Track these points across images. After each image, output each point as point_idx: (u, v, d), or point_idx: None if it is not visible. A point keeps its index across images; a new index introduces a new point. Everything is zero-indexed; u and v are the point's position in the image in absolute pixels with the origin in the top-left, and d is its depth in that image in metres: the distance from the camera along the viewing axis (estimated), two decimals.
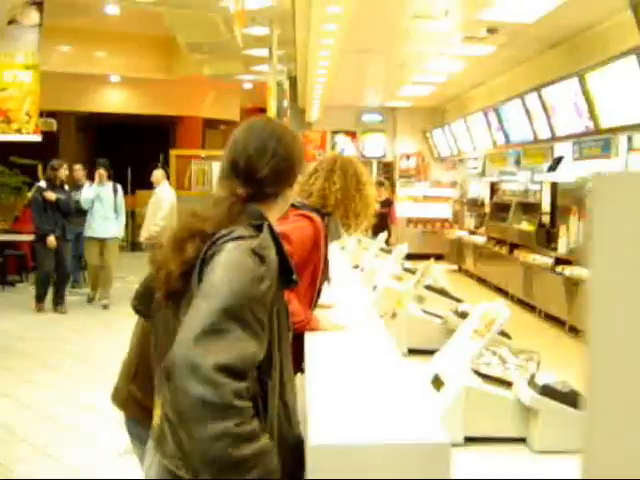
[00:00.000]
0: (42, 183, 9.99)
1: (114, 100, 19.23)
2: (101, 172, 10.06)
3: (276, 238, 1.97)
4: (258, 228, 1.93)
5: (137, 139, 20.25)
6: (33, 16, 10.14)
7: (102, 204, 10.01)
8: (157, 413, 2.00)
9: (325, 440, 1.82)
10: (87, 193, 10.06)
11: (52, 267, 9.77)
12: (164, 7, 11.32)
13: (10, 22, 9.95)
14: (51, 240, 9.59)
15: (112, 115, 19.48)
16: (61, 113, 16.86)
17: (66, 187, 10.16)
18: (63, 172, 9.99)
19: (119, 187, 10.51)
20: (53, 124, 14.46)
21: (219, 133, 22.51)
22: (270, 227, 1.97)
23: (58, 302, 9.88)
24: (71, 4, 11.63)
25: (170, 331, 1.90)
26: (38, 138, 10.67)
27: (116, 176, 10.71)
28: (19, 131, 10.32)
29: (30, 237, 12.32)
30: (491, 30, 9.13)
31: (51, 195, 9.60)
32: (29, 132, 10.37)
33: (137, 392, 2.60)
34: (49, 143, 13.08)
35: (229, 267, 1.80)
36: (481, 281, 13.44)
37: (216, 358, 1.66)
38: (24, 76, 10.27)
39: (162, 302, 1.99)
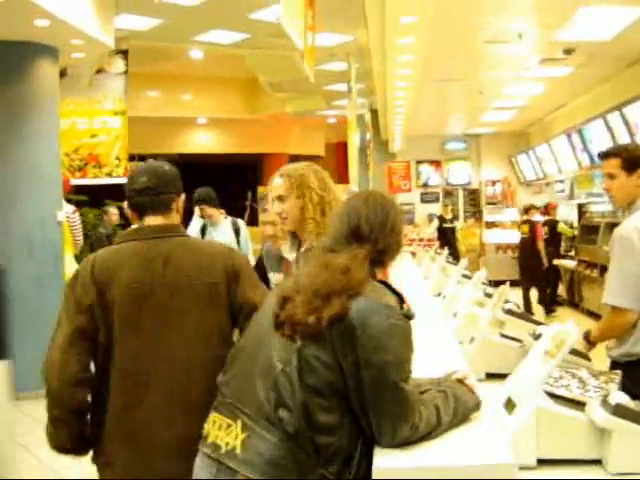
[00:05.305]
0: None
1: (202, 141, 19.66)
2: (208, 211, 7.00)
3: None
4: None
5: (225, 178, 20.60)
6: (119, 64, 10.56)
7: None
8: (236, 435, 2.00)
9: (391, 463, 1.85)
10: (194, 227, 7.06)
11: None
12: (244, 49, 11.61)
13: (98, 71, 10.38)
14: None
15: (200, 155, 19.91)
16: (151, 156, 17.36)
17: None
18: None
19: (241, 224, 7.30)
20: None
21: None
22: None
23: None
24: (155, 51, 12.04)
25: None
26: None
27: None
28: (109, 174, 10.65)
29: None
30: (568, 50, 9.04)
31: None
32: (119, 175, 10.69)
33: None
34: None
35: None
36: (573, 305, 13.13)
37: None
38: (113, 122, 10.65)
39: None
